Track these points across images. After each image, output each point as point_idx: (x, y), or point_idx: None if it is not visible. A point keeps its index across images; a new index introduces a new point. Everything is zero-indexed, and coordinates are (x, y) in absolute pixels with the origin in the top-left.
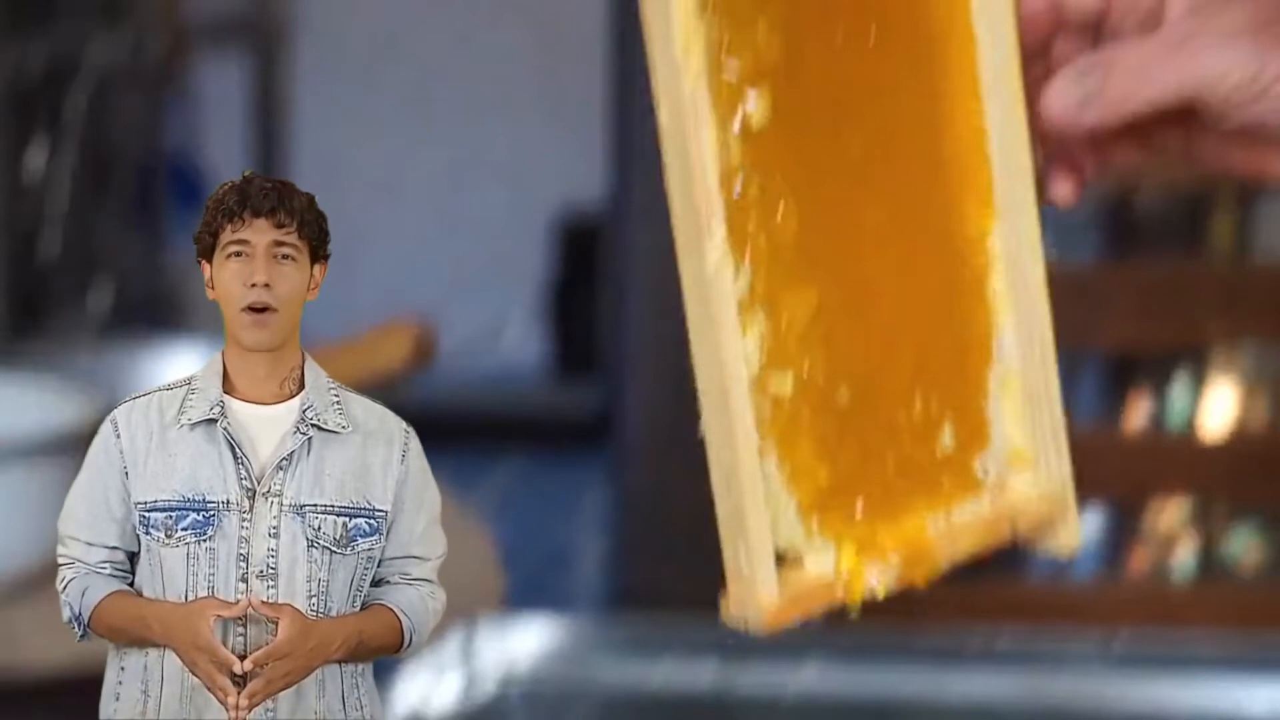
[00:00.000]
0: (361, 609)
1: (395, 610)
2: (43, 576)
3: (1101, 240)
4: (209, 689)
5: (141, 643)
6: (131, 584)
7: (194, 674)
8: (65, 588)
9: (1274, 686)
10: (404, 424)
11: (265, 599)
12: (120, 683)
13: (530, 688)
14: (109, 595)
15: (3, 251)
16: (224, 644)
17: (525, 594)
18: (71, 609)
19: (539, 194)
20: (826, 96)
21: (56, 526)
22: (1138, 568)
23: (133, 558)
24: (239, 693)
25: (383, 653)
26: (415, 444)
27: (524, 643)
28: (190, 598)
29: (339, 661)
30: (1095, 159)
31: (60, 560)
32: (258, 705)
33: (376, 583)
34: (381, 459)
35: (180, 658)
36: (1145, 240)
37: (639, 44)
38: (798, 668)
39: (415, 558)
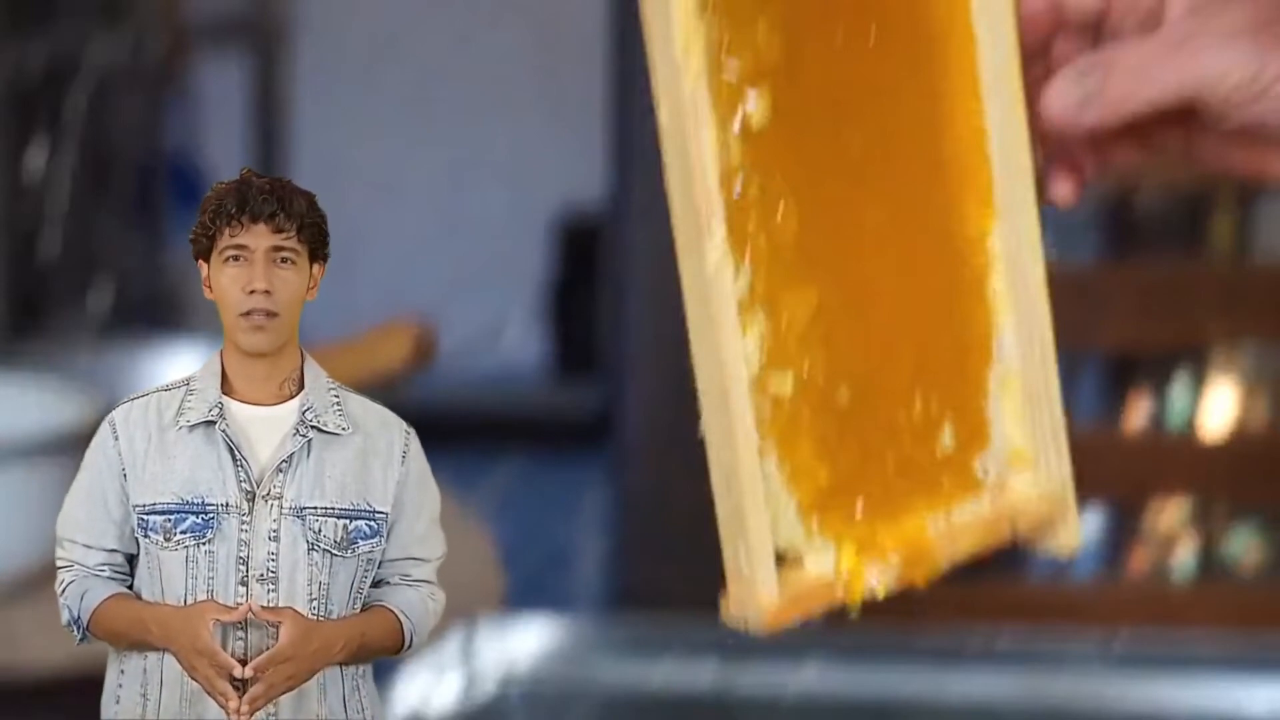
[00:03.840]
0: (361, 610)
1: (396, 611)
2: (43, 576)
3: (1101, 240)
4: (209, 694)
5: (140, 646)
6: (131, 587)
7: (193, 678)
8: (64, 590)
9: (1274, 686)
10: (404, 425)
11: (265, 602)
12: (120, 685)
13: (530, 688)
14: (108, 598)
15: (3, 251)
16: (224, 648)
17: (525, 594)
18: (70, 612)
19: (539, 194)
20: (826, 96)
21: (55, 528)
22: (1138, 568)
23: (132, 560)
24: (239, 697)
25: (384, 654)
26: (415, 445)
27: (524, 643)
28: (189, 601)
29: (341, 664)
30: (1095, 159)
31: (59, 563)
32: (259, 710)
33: (376, 584)
34: (382, 460)
35: (179, 661)
36: (1145, 240)
37: (639, 44)
38: (798, 668)
39: (415, 559)
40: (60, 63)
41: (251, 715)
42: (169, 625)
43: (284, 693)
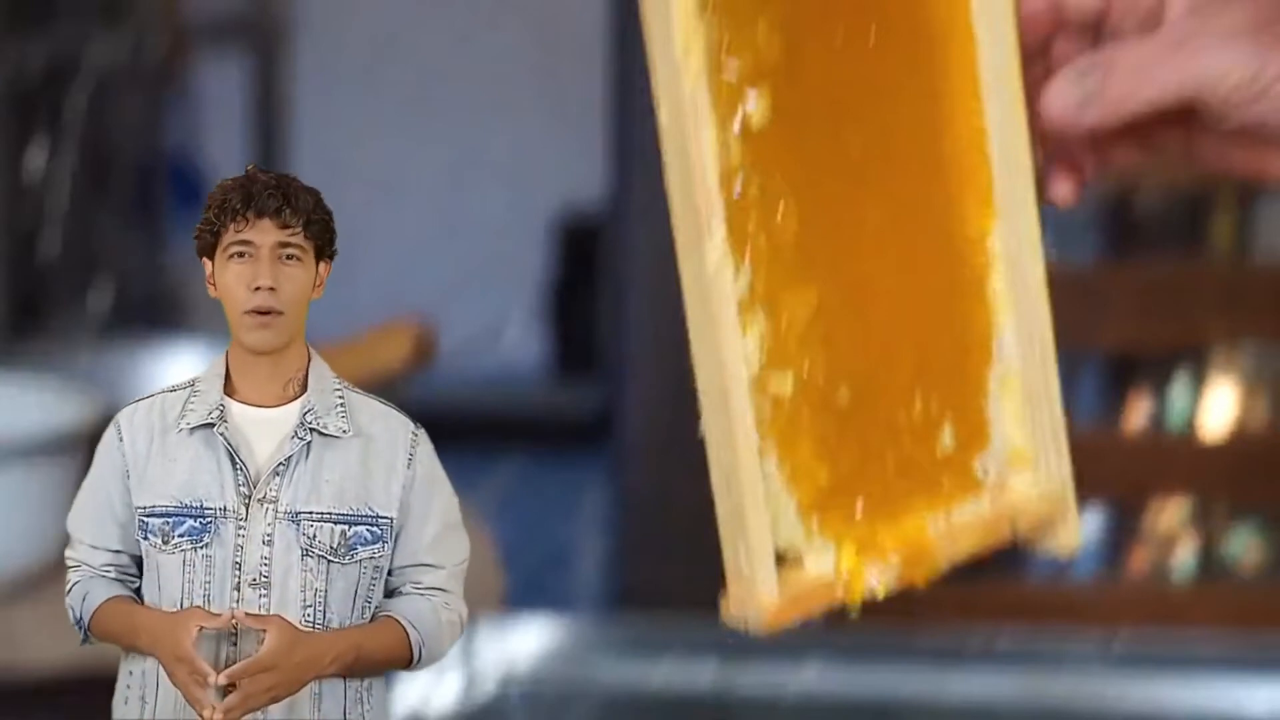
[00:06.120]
0: (371, 620)
1: (402, 622)
2: (42, 577)
3: (1101, 240)
4: (188, 701)
5: (133, 649)
6: (138, 589)
7: (173, 683)
8: (70, 590)
9: (1274, 686)
10: (412, 426)
11: (258, 608)
12: (128, 686)
13: (530, 688)
14: (106, 601)
15: (3, 251)
16: (216, 654)
17: (525, 594)
18: (74, 613)
19: (539, 194)
20: (826, 96)
21: (64, 525)
22: (1138, 568)
23: (139, 562)
24: (215, 707)
25: (388, 667)
26: (424, 447)
27: (524, 643)
28: (184, 604)
29: (334, 676)
30: (1095, 159)
31: (68, 562)
32: (235, 719)
33: (390, 593)
34: (385, 464)
35: (163, 667)
36: (1145, 240)
37: (639, 44)
38: (798, 668)
39: (427, 565)
40: (60, 63)
41: None
42: (155, 630)
43: (265, 704)
